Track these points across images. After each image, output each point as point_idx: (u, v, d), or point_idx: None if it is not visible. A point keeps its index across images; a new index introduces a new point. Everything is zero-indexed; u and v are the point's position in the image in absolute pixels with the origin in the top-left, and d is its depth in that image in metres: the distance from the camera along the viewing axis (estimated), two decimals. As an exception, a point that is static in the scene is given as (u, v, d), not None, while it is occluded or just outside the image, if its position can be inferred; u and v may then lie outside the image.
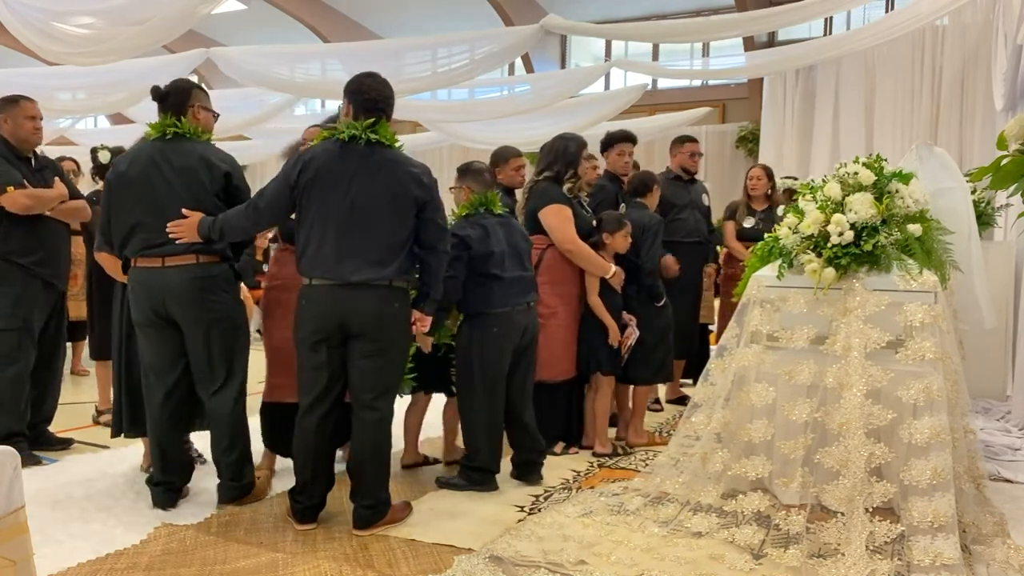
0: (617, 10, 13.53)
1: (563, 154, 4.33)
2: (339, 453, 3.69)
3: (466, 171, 3.87)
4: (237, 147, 10.09)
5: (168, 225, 3.29)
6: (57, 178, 4.25)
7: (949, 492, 2.85)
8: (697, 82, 13.92)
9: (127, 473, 3.92)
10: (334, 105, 3.35)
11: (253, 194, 3.35)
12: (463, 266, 3.64)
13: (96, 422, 4.91)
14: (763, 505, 3.19)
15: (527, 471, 3.85)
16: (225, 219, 3.26)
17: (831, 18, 11.87)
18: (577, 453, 4.37)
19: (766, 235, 3.65)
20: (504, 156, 4.65)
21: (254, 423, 3.64)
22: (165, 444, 3.43)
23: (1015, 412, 4.97)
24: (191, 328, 3.35)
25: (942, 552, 2.75)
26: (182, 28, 6.46)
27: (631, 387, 4.64)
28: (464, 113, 11.07)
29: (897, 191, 3.27)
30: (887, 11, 11.66)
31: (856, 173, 3.31)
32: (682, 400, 5.48)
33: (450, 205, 3.89)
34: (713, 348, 4.24)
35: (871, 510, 2.88)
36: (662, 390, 5.66)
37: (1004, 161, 3.74)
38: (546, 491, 3.74)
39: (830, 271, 3.18)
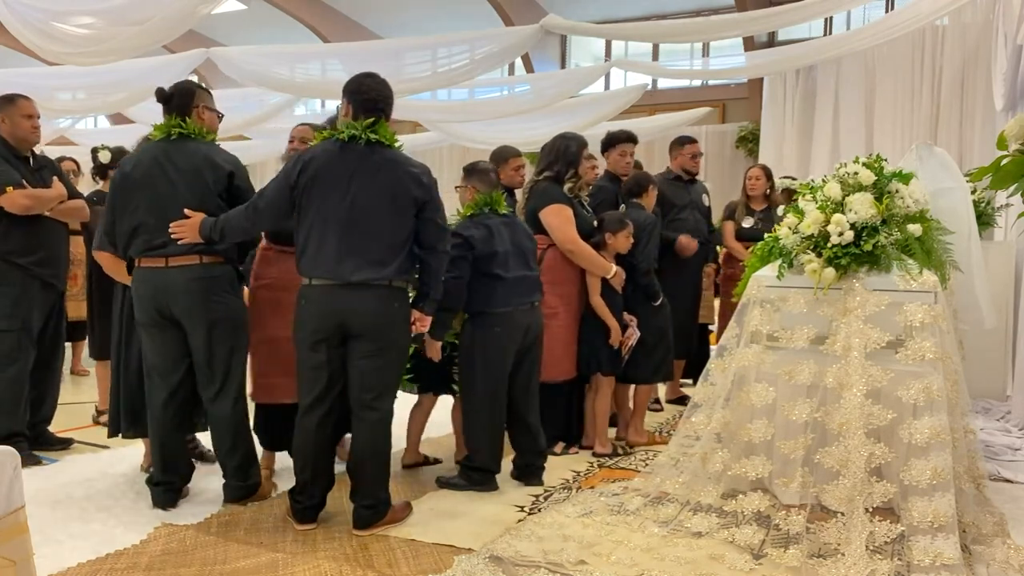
0: (617, 10, 13.53)
1: (564, 154, 4.33)
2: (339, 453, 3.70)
3: (472, 171, 3.88)
4: (237, 147, 10.08)
5: (171, 226, 3.29)
6: (56, 178, 4.24)
7: (949, 492, 2.85)
8: (697, 82, 13.92)
9: (127, 473, 3.93)
10: (334, 105, 3.34)
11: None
12: (467, 266, 3.64)
13: (96, 422, 4.90)
14: (763, 505, 3.19)
15: (528, 473, 3.84)
16: (226, 220, 3.26)
17: (831, 18, 11.88)
18: (577, 453, 4.37)
19: (765, 235, 3.65)
20: (504, 156, 4.65)
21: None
22: (167, 444, 3.43)
23: (1015, 412, 4.97)
24: (194, 328, 3.35)
25: (942, 552, 2.75)
26: (182, 28, 6.46)
27: (631, 387, 4.64)
28: (464, 113, 11.08)
29: (897, 191, 3.27)
30: (887, 11, 11.66)
31: (856, 173, 3.31)
32: (682, 400, 5.48)
33: (453, 204, 3.89)
34: (713, 348, 4.24)
35: (871, 510, 2.88)
36: (662, 390, 5.66)
37: (1004, 161, 3.74)
38: (546, 491, 3.74)
39: (830, 271, 3.18)
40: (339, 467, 3.46)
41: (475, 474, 3.73)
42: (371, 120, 3.15)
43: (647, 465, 4.08)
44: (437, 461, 4.20)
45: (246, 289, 3.67)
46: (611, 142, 5.11)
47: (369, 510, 3.18)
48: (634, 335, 4.33)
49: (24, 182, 4.05)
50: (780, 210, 3.60)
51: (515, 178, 4.64)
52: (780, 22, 8.95)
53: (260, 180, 4.05)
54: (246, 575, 2.79)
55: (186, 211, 3.30)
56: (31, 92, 4.44)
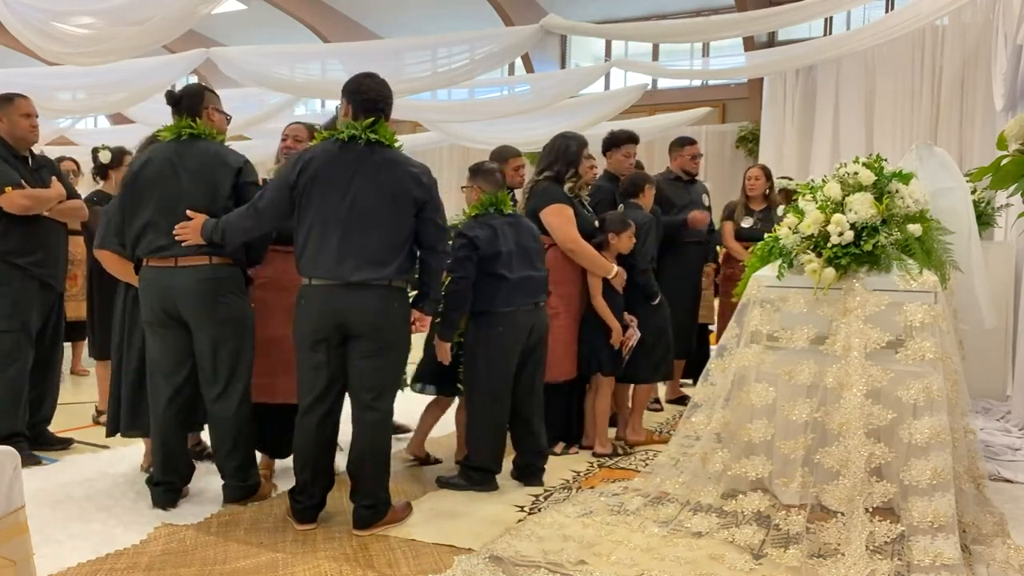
0: (617, 10, 13.54)
1: (564, 153, 4.32)
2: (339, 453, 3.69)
3: (477, 171, 3.89)
4: (237, 147, 10.03)
5: (175, 227, 3.31)
6: (54, 178, 4.24)
7: (949, 492, 2.85)
8: (697, 82, 13.93)
9: (127, 473, 3.92)
10: (334, 105, 3.35)
11: None
12: (473, 266, 3.65)
13: (96, 422, 4.90)
14: (763, 505, 3.19)
15: (528, 473, 3.84)
16: (226, 221, 3.26)
17: (831, 18, 11.89)
18: (577, 453, 4.37)
19: (765, 235, 3.65)
20: (503, 156, 4.64)
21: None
22: (168, 444, 3.43)
23: (1015, 412, 4.97)
24: (200, 328, 3.35)
25: (942, 552, 2.74)
26: (182, 28, 6.47)
27: (631, 386, 4.64)
28: (464, 113, 11.08)
29: (897, 191, 3.27)
30: (887, 11, 11.67)
31: (856, 173, 3.31)
32: (682, 400, 5.47)
33: (452, 205, 3.89)
34: (713, 348, 4.24)
35: (871, 510, 2.88)
36: (662, 390, 5.65)
37: (1004, 161, 3.74)
38: (546, 491, 3.74)
39: (830, 271, 3.18)
40: (339, 467, 3.46)
41: (475, 474, 3.73)
42: (371, 120, 3.15)
43: (647, 465, 4.08)
44: (437, 461, 4.20)
45: None
46: (615, 143, 5.09)
47: (369, 510, 3.17)
48: (634, 335, 4.33)
49: (23, 182, 4.04)
50: (780, 210, 3.60)
51: (515, 178, 4.64)
52: (780, 22, 8.96)
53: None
54: (246, 575, 2.79)
55: (188, 212, 3.31)
56: (31, 92, 4.43)
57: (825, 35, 11.79)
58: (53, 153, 6.21)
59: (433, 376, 3.96)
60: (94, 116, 15.09)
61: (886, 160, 3.39)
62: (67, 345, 5.75)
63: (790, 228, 3.38)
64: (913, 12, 7.76)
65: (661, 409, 5.49)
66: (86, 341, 5.41)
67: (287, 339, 3.31)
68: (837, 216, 3.21)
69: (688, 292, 5.36)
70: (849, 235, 3.18)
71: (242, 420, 3.43)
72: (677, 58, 13.31)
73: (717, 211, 5.79)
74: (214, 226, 3.27)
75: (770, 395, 3.24)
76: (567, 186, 4.30)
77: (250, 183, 3.45)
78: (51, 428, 4.44)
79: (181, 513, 3.37)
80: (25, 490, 1.93)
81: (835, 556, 2.82)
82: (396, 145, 3.23)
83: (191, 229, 3.30)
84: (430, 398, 4.17)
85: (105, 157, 5.03)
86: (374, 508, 3.18)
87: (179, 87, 3.73)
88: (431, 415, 4.19)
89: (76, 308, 5.38)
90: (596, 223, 4.39)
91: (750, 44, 12.17)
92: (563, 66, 14.77)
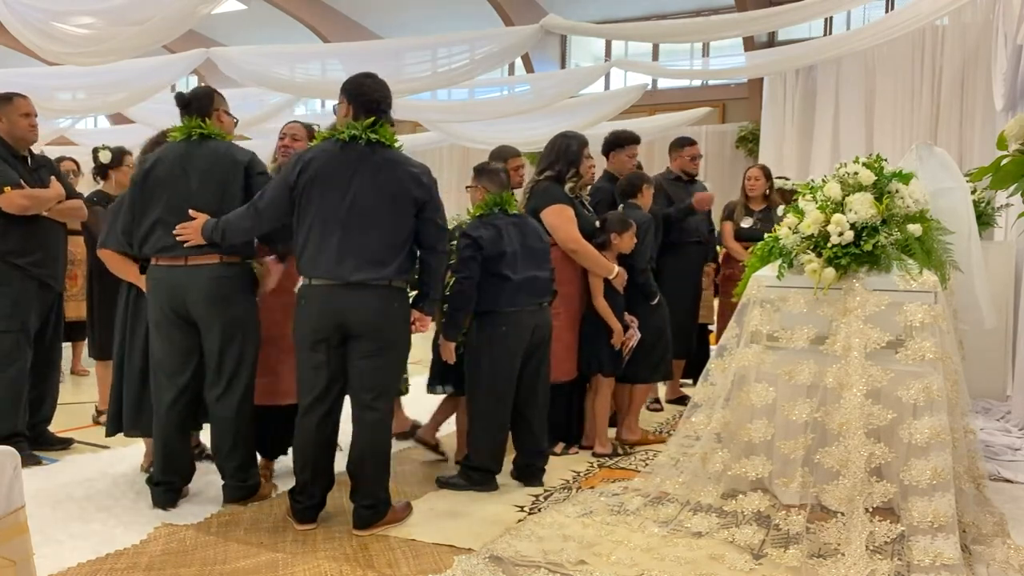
0: (617, 10, 13.54)
1: (565, 153, 4.31)
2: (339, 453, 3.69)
3: (482, 171, 3.89)
4: (237, 147, 10.06)
5: (176, 227, 3.31)
6: (53, 178, 4.24)
7: (949, 492, 2.85)
8: (697, 82, 13.92)
9: (127, 473, 3.92)
10: (333, 105, 3.35)
11: None
12: (477, 267, 3.65)
13: (96, 422, 4.90)
14: (763, 505, 3.19)
15: (528, 474, 3.84)
16: (226, 221, 3.27)
17: (831, 18, 11.88)
18: (577, 453, 4.37)
19: (765, 235, 3.65)
20: (503, 156, 4.63)
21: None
22: (170, 444, 3.43)
23: (1015, 412, 4.97)
24: (209, 327, 3.36)
25: (942, 552, 2.75)
26: (182, 28, 6.46)
27: (630, 386, 4.64)
28: (464, 113, 11.08)
29: (897, 191, 3.27)
30: (887, 11, 11.66)
31: (856, 173, 3.31)
32: (682, 400, 5.47)
33: (453, 205, 3.90)
34: (713, 348, 4.24)
35: (871, 510, 2.88)
36: (662, 390, 5.66)
37: (1004, 161, 3.74)
38: (546, 491, 3.74)
39: (830, 271, 3.18)
40: (339, 467, 3.46)
41: (475, 474, 3.73)
42: (372, 120, 3.16)
43: (647, 465, 4.08)
44: (443, 455, 4.19)
45: None
46: (619, 143, 5.06)
47: (369, 510, 3.17)
48: (635, 336, 4.33)
49: (22, 182, 4.04)
50: (780, 210, 3.60)
51: (515, 178, 4.61)
52: (780, 22, 8.96)
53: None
54: (246, 575, 2.79)
55: (191, 212, 3.32)
56: (31, 92, 4.43)
57: (825, 35, 11.78)
58: (53, 153, 6.21)
59: (448, 376, 3.98)
60: (94, 116, 15.07)
61: (886, 160, 3.39)
62: (67, 345, 5.77)
63: (790, 228, 3.38)
64: (913, 12, 7.76)
65: (661, 409, 5.49)
66: (86, 341, 5.41)
67: (286, 338, 3.31)
68: (837, 216, 3.21)
69: (688, 292, 5.36)
70: (849, 235, 3.18)
71: (243, 420, 3.43)
72: (677, 58, 13.31)
73: (717, 211, 5.79)
74: (214, 226, 3.27)
75: (770, 395, 3.24)
76: (568, 186, 4.29)
77: (259, 174, 3.46)
78: (51, 428, 4.44)
79: (181, 513, 3.37)
80: (25, 490, 1.93)
81: (835, 556, 2.82)
82: (396, 145, 3.23)
83: (192, 229, 3.30)
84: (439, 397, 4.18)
85: (105, 157, 5.03)
86: (374, 508, 3.18)
87: (179, 87, 3.74)
88: (449, 405, 4.21)
89: (76, 308, 5.38)
90: (597, 223, 4.38)
91: (750, 44, 12.17)
92: (563, 66, 14.77)
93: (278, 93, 9.81)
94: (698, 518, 3.20)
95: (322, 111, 11.54)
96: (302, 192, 3.14)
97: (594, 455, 4.33)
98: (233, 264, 3.39)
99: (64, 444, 4.40)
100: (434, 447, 4.21)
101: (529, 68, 14.17)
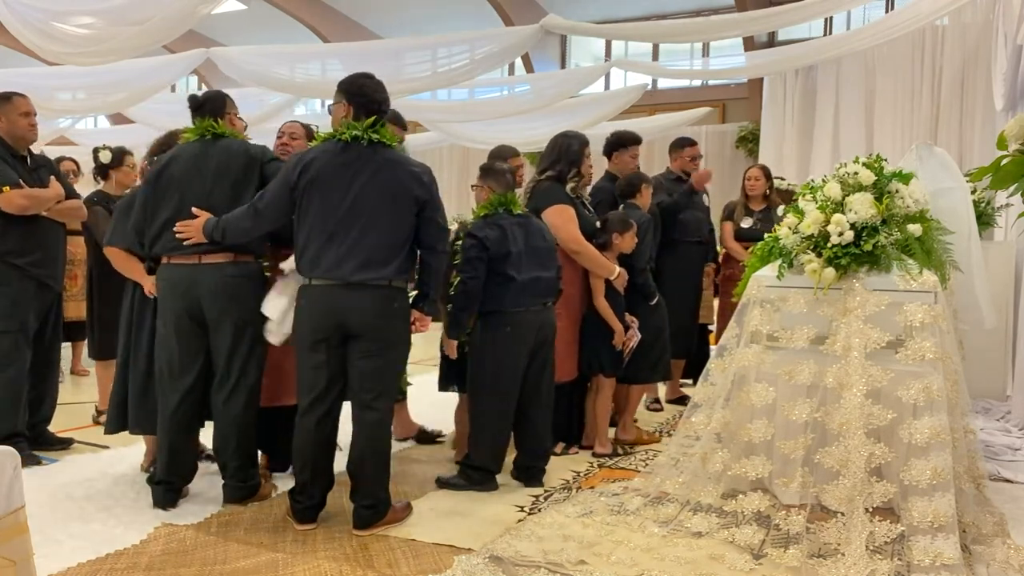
0: (617, 10, 13.54)
1: (566, 152, 4.29)
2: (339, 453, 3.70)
3: (488, 171, 3.90)
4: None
5: (177, 225, 3.32)
6: (53, 177, 4.23)
7: (949, 492, 2.85)
8: (697, 82, 13.93)
9: (127, 473, 3.92)
10: (334, 106, 3.38)
11: None
12: (484, 267, 3.65)
13: (96, 422, 4.90)
14: (763, 505, 3.19)
15: (528, 475, 3.84)
16: (227, 220, 3.27)
17: (831, 18, 11.89)
18: (577, 453, 4.37)
19: (765, 235, 3.65)
20: (502, 155, 4.63)
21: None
22: (175, 444, 3.43)
23: (1015, 412, 4.97)
24: (220, 326, 3.36)
25: (942, 552, 2.75)
26: (182, 28, 6.47)
27: (627, 386, 4.63)
28: (464, 113, 11.09)
29: (897, 191, 3.27)
30: (887, 11, 11.67)
31: (856, 173, 3.31)
32: (682, 400, 5.47)
33: (454, 204, 3.90)
34: (713, 348, 4.24)
35: (871, 510, 2.88)
36: (662, 390, 5.66)
37: (1004, 161, 3.74)
38: (546, 491, 3.74)
39: (830, 271, 3.18)
40: (339, 467, 3.46)
41: (475, 473, 3.73)
42: (372, 120, 3.16)
43: (647, 465, 4.08)
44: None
45: None
46: (623, 143, 5.04)
47: (369, 510, 3.17)
48: (635, 336, 4.33)
49: (21, 182, 4.04)
50: (780, 210, 3.60)
51: (514, 178, 4.63)
52: (780, 22, 8.96)
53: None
54: (246, 575, 2.79)
55: (193, 210, 3.33)
56: (31, 92, 4.43)
57: (825, 35, 11.79)
58: (53, 153, 6.21)
59: (459, 376, 3.98)
60: (94, 116, 15.08)
61: (886, 160, 3.39)
62: (67, 345, 5.77)
63: (790, 228, 3.38)
64: (913, 12, 7.76)
65: (661, 409, 5.49)
66: (86, 341, 5.40)
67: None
68: (837, 216, 3.21)
69: (688, 292, 5.36)
70: (849, 235, 3.18)
71: (247, 420, 3.43)
72: (677, 58, 13.31)
73: (717, 211, 5.79)
74: (215, 225, 3.28)
75: (770, 395, 3.24)
76: (569, 186, 4.28)
77: (271, 161, 3.48)
78: (51, 428, 4.43)
79: (181, 513, 3.37)
80: (25, 490, 1.93)
81: (835, 556, 2.82)
82: (396, 146, 3.24)
83: (194, 228, 3.31)
84: (444, 400, 4.16)
85: (106, 157, 5.02)
86: (374, 508, 3.18)
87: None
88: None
89: (76, 308, 5.38)
90: (597, 223, 4.38)
91: (750, 44, 12.18)
92: (563, 66, 14.78)
93: (278, 93, 9.82)
94: (698, 518, 3.20)
95: (322, 111, 11.52)
96: (303, 192, 3.14)
97: (594, 455, 4.33)
98: (246, 263, 3.40)
99: (64, 444, 4.39)
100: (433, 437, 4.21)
101: (529, 68, 14.17)
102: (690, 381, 5.60)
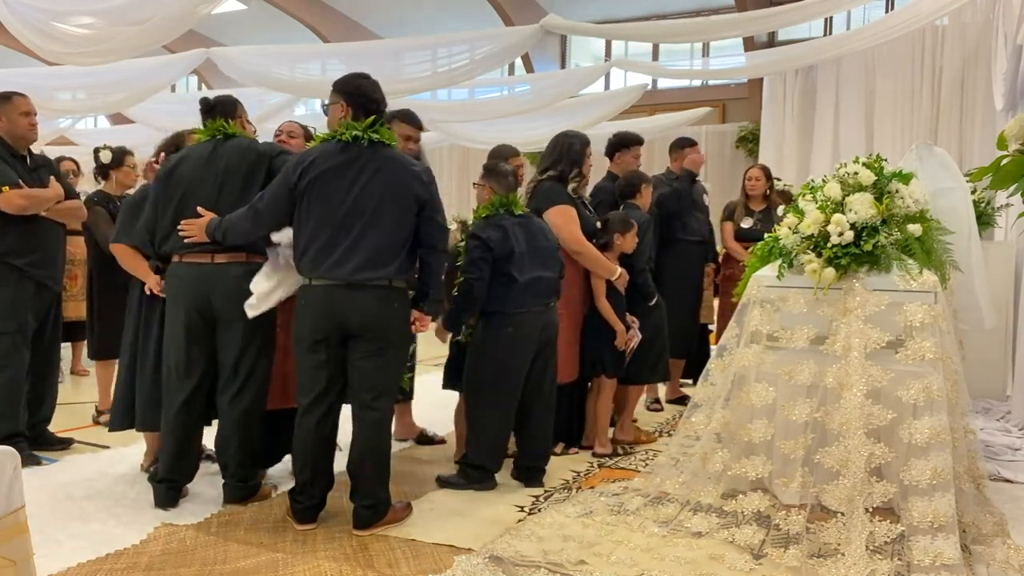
0: (617, 10, 13.54)
1: (568, 152, 4.28)
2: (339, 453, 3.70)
3: (492, 171, 3.90)
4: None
5: (181, 223, 3.33)
6: (53, 177, 4.23)
7: (949, 492, 2.85)
8: (697, 82, 13.94)
9: (127, 473, 3.92)
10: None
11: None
12: (488, 267, 3.65)
13: (96, 422, 4.90)
14: (763, 505, 3.19)
15: (528, 475, 3.83)
16: (228, 221, 3.27)
17: (831, 18, 11.89)
18: (577, 453, 4.37)
19: (765, 235, 3.65)
20: (502, 155, 4.62)
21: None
22: (180, 444, 3.42)
23: (1015, 412, 4.97)
24: (230, 325, 3.35)
25: (942, 552, 2.75)
26: (182, 28, 6.47)
27: (628, 386, 4.63)
28: (464, 113, 11.09)
29: (897, 191, 3.27)
30: (887, 11, 11.68)
31: (856, 173, 3.31)
32: (682, 400, 5.47)
33: (454, 204, 3.90)
34: (713, 348, 4.24)
35: (871, 510, 2.88)
36: (662, 390, 5.66)
37: (1004, 161, 3.74)
38: (546, 491, 3.74)
39: (830, 271, 3.18)
40: (339, 467, 3.46)
41: (473, 472, 3.73)
42: (372, 120, 3.16)
43: (647, 465, 4.08)
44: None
45: None
46: (626, 144, 5.03)
47: (369, 510, 3.17)
48: (636, 336, 4.33)
49: (20, 181, 4.03)
50: (780, 210, 3.60)
51: (513, 178, 4.63)
52: (780, 22, 8.97)
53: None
54: (246, 575, 2.79)
55: (198, 209, 3.33)
56: (31, 92, 4.42)
57: (825, 35, 11.80)
58: (53, 153, 6.20)
59: (455, 374, 3.99)
60: (94, 116, 15.08)
61: (886, 160, 3.40)
62: (67, 345, 5.76)
63: (790, 228, 3.38)
64: (913, 12, 7.77)
65: (661, 409, 5.49)
66: (86, 341, 5.40)
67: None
68: (837, 216, 3.21)
69: (689, 292, 5.36)
70: (849, 235, 3.18)
71: (251, 421, 3.43)
72: (677, 58, 13.32)
73: (716, 211, 5.79)
74: (217, 225, 3.28)
75: (770, 395, 3.24)
76: (571, 186, 4.28)
77: (280, 154, 3.48)
78: (51, 428, 4.43)
79: (181, 513, 3.37)
80: (25, 490, 1.93)
81: (835, 556, 2.82)
82: (395, 145, 3.24)
83: (197, 227, 3.32)
84: (445, 400, 4.16)
85: (106, 157, 5.02)
86: (374, 508, 3.18)
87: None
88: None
89: (76, 308, 5.38)
90: (598, 224, 4.38)
91: (750, 44, 12.18)
92: (563, 66, 14.78)
93: (278, 93, 9.82)
94: (698, 518, 3.20)
95: (322, 111, 11.53)
96: (303, 193, 3.14)
97: (594, 455, 4.32)
98: (259, 264, 3.39)
99: (64, 444, 4.39)
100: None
101: (529, 68, 14.17)
102: (690, 381, 5.60)
